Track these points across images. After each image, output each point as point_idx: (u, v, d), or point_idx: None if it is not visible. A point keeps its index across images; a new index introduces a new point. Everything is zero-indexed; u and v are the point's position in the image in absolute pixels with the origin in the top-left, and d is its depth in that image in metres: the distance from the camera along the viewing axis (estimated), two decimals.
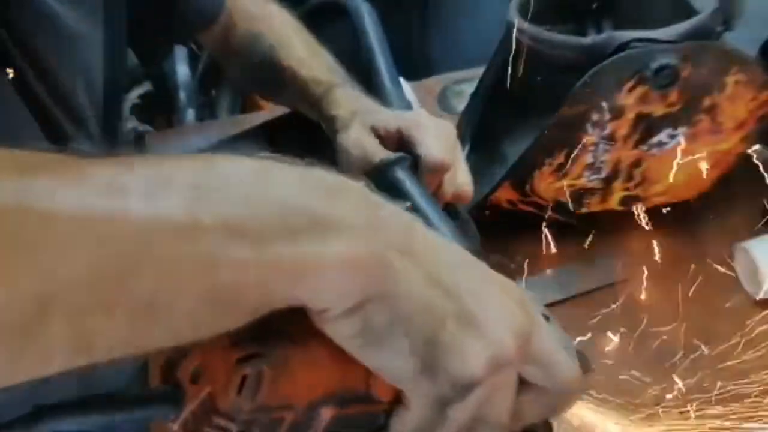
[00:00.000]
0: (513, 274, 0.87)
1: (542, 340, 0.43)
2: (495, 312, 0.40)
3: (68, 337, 0.32)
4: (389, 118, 0.78)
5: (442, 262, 0.40)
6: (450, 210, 0.70)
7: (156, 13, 0.83)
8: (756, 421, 0.68)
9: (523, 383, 0.43)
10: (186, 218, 0.34)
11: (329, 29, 1.19)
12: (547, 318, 0.47)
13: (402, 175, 0.70)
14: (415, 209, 0.66)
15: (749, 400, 0.72)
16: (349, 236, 0.36)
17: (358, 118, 0.79)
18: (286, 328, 0.37)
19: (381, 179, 0.70)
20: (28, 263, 0.31)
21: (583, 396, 0.52)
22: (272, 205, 0.36)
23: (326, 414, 0.38)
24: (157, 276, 0.33)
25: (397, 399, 0.40)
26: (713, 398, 0.72)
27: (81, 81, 0.68)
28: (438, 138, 0.75)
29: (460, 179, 0.78)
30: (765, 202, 0.89)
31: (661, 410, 0.72)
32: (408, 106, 0.87)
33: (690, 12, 0.85)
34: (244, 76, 0.94)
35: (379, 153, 0.74)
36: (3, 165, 0.32)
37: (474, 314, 0.39)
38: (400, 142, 0.75)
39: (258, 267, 0.35)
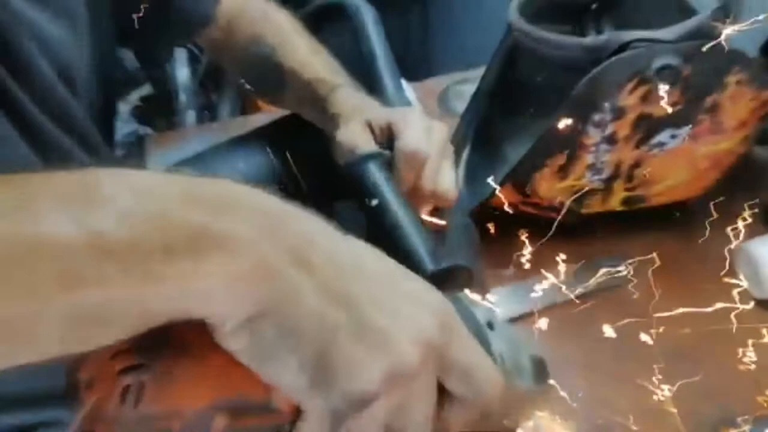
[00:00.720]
0: (510, 277, 0.87)
1: (460, 349, 0.42)
2: (397, 323, 0.39)
3: None
4: (381, 114, 0.78)
5: (343, 272, 0.39)
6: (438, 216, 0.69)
7: (150, 15, 0.82)
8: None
9: (447, 393, 0.42)
10: (48, 236, 0.33)
11: (331, 31, 1.19)
12: (491, 326, 0.47)
13: (373, 170, 0.70)
14: (380, 205, 0.65)
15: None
16: (233, 250, 0.36)
17: (357, 115, 0.78)
18: (182, 338, 0.38)
19: (353, 174, 0.69)
20: None
21: (543, 407, 0.51)
22: (150, 221, 0.35)
23: (219, 423, 0.38)
24: (16, 295, 0.32)
25: (299, 410, 0.40)
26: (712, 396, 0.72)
27: (64, 84, 0.67)
28: (420, 131, 0.75)
29: (442, 180, 0.76)
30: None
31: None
32: (409, 106, 0.87)
33: (689, 12, 0.84)
34: (245, 78, 0.93)
35: (367, 148, 0.74)
36: None
37: (372, 326, 0.39)
38: (389, 137, 0.75)
39: (128, 285, 0.34)
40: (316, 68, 0.85)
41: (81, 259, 0.33)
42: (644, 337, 0.79)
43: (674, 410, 0.71)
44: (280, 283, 0.37)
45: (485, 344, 0.46)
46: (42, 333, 0.33)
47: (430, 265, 0.57)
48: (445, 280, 0.53)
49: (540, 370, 0.50)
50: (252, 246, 0.36)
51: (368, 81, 0.93)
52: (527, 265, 0.88)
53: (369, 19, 0.96)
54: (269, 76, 0.87)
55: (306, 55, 0.87)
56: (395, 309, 0.40)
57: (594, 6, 0.98)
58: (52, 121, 0.64)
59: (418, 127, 0.75)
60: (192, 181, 0.38)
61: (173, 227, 0.35)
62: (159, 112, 1.62)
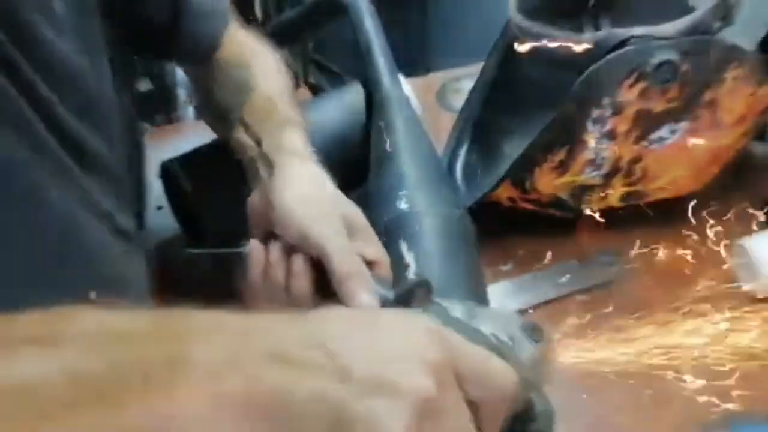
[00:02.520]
0: (509, 273, 0.87)
1: (465, 356, 0.42)
2: (398, 362, 0.39)
3: None
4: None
5: (324, 346, 0.38)
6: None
7: (155, 41, 0.80)
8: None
9: (471, 403, 0.41)
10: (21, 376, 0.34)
11: (329, 26, 1.19)
12: (474, 316, 0.48)
13: None
14: None
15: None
16: (211, 372, 0.36)
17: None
18: None
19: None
20: None
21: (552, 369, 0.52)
22: (124, 351, 0.36)
23: None
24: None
25: None
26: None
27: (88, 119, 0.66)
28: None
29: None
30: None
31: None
32: (406, 101, 0.87)
33: (687, 8, 0.85)
34: (210, 96, 0.84)
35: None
36: None
37: (375, 377, 0.38)
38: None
39: (105, 413, 0.34)
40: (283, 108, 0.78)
41: (54, 393, 0.34)
42: (641, 332, 0.79)
43: (669, 406, 0.72)
44: (265, 388, 0.36)
45: (475, 333, 0.46)
46: None
47: (389, 294, 0.58)
48: (408, 300, 0.54)
49: (535, 332, 0.50)
50: (227, 365, 0.36)
51: (365, 75, 0.93)
52: (525, 261, 0.88)
53: (367, 15, 0.96)
54: (236, 95, 0.80)
55: (280, 93, 0.80)
56: (388, 353, 0.39)
57: (592, 2, 0.98)
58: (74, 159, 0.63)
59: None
60: (160, 316, 0.39)
61: (148, 356, 0.36)
62: (157, 107, 1.62)
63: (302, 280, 0.64)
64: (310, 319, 0.42)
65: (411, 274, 0.68)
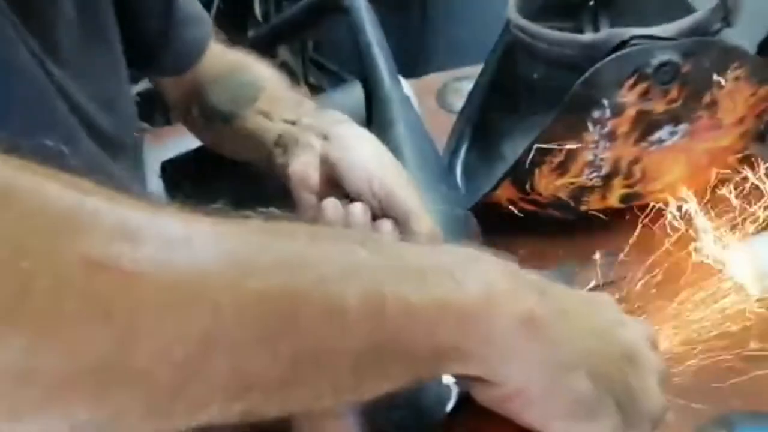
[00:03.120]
0: None
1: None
2: (636, 334, 0.45)
3: (229, 376, 0.31)
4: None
5: (586, 315, 0.44)
6: None
7: (141, 53, 0.78)
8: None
9: None
10: (349, 257, 0.36)
11: (328, 26, 1.19)
12: None
13: None
14: None
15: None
16: (507, 292, 0.39)
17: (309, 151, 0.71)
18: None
19: None
20: (198, 299, 0.31)
21: None
22: (439, 257, 0.39)
23: None
24: (324, 315, 0.33)
25: None
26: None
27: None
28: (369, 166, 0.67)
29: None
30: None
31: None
32: (407, 102, 0.87)
33: (686, 8, 0.85)
34: (208, 99, 0.83)
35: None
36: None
37: (629, 344, 0.43)
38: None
39: (425, 307, 0.36)
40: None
41: (381, 278, 0.35)
42: None
43: (669, 406, 0.71)
44: (548, 331, 0.39)
45: None
46: (342, 358, 0.34)
47: None
48: None
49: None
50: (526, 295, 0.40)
51: (365, 75, 0.93)
52: (525, 262, 0.88)
53: (366, 15, 0.96)
54: (241, 98, 0.80)
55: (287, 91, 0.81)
56: (620, 319, 0.46)
57: (591, 3, 0.98)
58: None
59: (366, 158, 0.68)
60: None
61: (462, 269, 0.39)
62: (156, 107, 1.61)
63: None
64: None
65: None
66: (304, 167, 0.68)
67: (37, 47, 0.57)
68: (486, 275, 0.39)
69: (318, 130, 0.70)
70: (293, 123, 0.72)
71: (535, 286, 0.41)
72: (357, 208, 0.63)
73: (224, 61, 0.82)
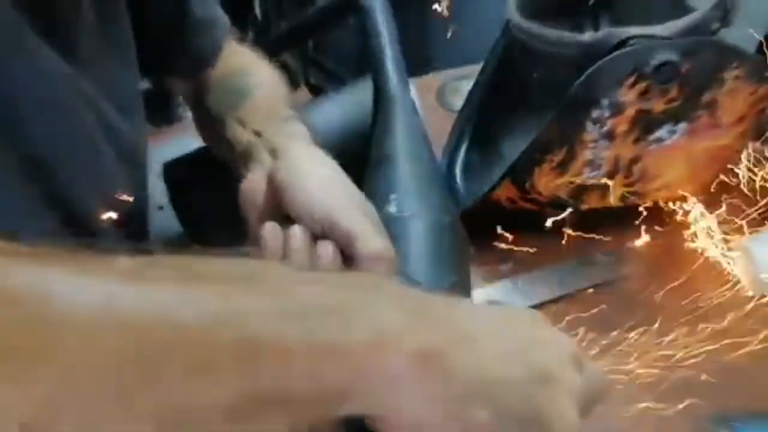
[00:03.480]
0: (508, 273, 0.87)
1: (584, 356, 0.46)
2: (560, 358, 0.43)
3: None
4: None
5: (498, 337, 0.41)
6: None
7: (154, 56, 0.77)
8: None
9: None
10: (224, 301, 0.33)
11: (340, 26, 1.19)
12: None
13: None
14: None
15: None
16: (400, 330, 0.37)
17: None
18: None
19: None
20: (46, 358, 0.29)
21: None
22: (315, 299, 0.36)
23: None
24: (190, 368, 0.32)
25: None
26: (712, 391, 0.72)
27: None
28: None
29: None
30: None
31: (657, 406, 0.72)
32: (411, 107, 0.87)
33: (685, 8, 0.85)
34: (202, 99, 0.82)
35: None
36: (20, 255, 0.31)
37: (544, 368, 0.41)
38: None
39: (308, 352, 0.34)
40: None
41: (260, 324, 0.33)
42: (641, 331, 0.79)
43: (669, 406, 0.72)
44: (454, 363, 0.38)
45: None
46: (214, 413, 0.32)
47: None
48: None
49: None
50: (423, 341, 0.38)
51: (373, 77, 0.93)
52: (525, 261, 0.88)
53: (381, 15, 0.96)
54: (232, 101, 0.78)
55: (280, 98, 0.78)
56: (539, 338, 0.43)
57: (591, 3, 0.98)
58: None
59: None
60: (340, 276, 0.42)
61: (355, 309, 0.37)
62: (157, 107, 1.61)
63: (333, 269, 0.59)
64: (464, 310, 0.44)
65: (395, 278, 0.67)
66: (251, 185, 0.65)
67: (60, 53, 0.57)
68: (379, 314, 0.37)
69: (271, 146, 0.67)
70: (258, 134, 0.70)
71: (436, 317, 0.40)
72: (295, 231, 0.60)
73: (228, 62, 0.81)
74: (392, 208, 0.72)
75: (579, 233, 0.90)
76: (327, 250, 0.59)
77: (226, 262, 0.36)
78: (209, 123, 0.78)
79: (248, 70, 0.80)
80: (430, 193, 0.75)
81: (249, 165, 0.67)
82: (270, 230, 0.60)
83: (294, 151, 0.65)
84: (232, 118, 0.73)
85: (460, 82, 1.22)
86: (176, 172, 0.87)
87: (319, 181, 0.62)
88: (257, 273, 0.37)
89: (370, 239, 0.58)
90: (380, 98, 0.89)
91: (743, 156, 0.89)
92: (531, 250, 0.90)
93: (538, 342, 0.43)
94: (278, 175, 0.62)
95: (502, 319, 0.44)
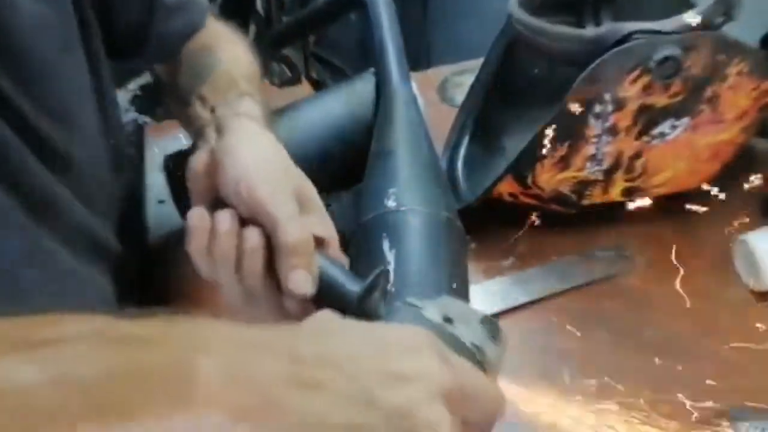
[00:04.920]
0: (510, 268, 0.87)
1: (470, 379, 0.42)
2: (418, 390, 0.38)
3: None
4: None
5: (341, 368, 0.38)
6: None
7: (126, 42, 0.76)
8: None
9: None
10: (6, 379, 0.32)
11: (341, 20, 1.19)
12: (449, 320, 0.47)
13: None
14: None
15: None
16: (221, 389, 0.34)
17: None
18: None
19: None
20: None
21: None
22: (121, 364, 0.34)
23: None
24: None
25: None
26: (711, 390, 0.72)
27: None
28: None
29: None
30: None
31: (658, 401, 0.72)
32: (413, 103, 0.87)
33: (686, 3, 0.85)
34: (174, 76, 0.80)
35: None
36: None
37: (399, 407, 0.37)
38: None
39: (96, 424, 0.32)
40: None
41: (44, 398, 0.31)
42: (642, 327, 0.79)
43: (669, 402, 0.72)
44: (290, 413, 0.35)
45: (459, 346, 0.46)
46: None
47: (356, 288, 0.55)
48: (372, 291, 0.52)
49: (494, 329, 0.49)
50: (243, 381, 0.35)
51: (375, 70, 0.93)
52: (526, 256, 0.88)
53: (384, 10, 0.96)
54: (197, 76, 0.75)
55: (244, 75, 0.74)
56: (404, 372, 0.39)
57: None
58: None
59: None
60: (160, 322, 0.37)
61: (152, 364, 0.34)
62: (158, 101, 1.61)
63: (256, 256, 0.56)
64: (316, 332, 0.41)
65: (390, 272, 0.66)
66: (194, 164, 0.62)
67: None
68: (197, 371, 0.34)
69: (219, 123, 0.64)
70: (213, 111, 0.67)
71: (278, 363, 0.37)
72: (222, 216, 0.57)
73: (200, 39, 0.79)
74: (391, 202, 0.72)
75: (580, 229, 0.90)
76: (252, 236, 0.56)
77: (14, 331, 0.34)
78: (179, 102, 0.75)
79: (217, 46, 0.78)
80: (429, 189, 0.75)
81: (199, 143, 0.65)
82: (195, 215, 0.58)
83: (235, 130, 0.62)
84: (196, 95, 0.71)
85: (462, 77, 1.22)
86: (177, 165, 0.87)
87: (252, 161, 0.58)
88: (64, 335, 0.35)
89: (290, 228, 0.55)
90: (382, 92, 0.89)
91: None
92: (532, 246, 0.90)
93: (398, 377, 0.38)
94: (215, 155, 0.60)
95: (358, 354, 0.39)
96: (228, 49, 0.78)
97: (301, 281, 0.54)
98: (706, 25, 0.80)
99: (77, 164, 0.63)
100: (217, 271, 0.57)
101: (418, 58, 1.69)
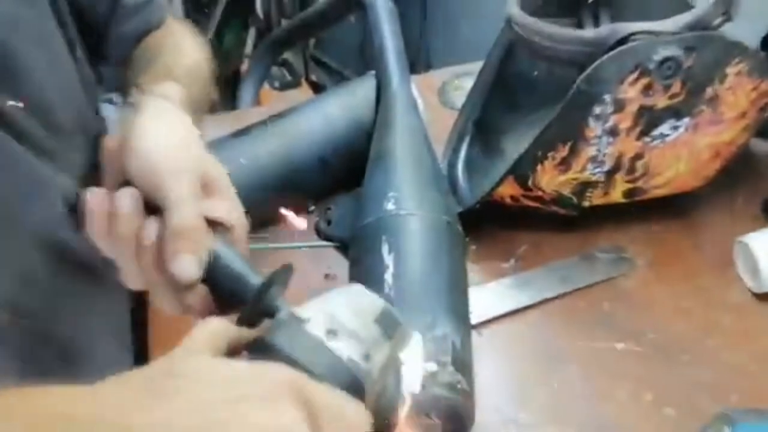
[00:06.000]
0: (511, 270, 0.87)
1: (325, 409, 0.40)
2: None
3: None
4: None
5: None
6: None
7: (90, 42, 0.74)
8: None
9: None
10: None
11: (341, 23, 1.19)
12: (333, 332, 0.45)
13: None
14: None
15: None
16: None
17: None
18: None
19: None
20: None
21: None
22: None
23: None
24: None
25: None
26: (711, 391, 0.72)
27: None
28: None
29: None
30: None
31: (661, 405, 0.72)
32: (412, 106, 0.87)
33: (683, 4, 0.85)
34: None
35: None
36: None
37: None
38: None
39: None
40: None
41: None
42: (643, 329, 0.79)
43: (671, 403, 0.72)
44: None
45: (330, 365, 0.45)
46: None
47: (256, 280, 0.52)
48: (271, 285, 0.50)
49: (390, 325, 0.48)
50: None
51: (376, 73, 0.93)
52: (528, 258, 0.88)
53: (384, 13, 0.96)
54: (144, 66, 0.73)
55: (183, 67, 0.72)
56: (251, 421, 0.38)
57: (591, 0, 0.98)
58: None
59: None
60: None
61: None
62: None
63: (151, 247, 0.53)
64: (157, 392, 0.39)
65: (389, 275, 0.66)
66: (108, 143, 0.58)
67: None
68: None
69: (137, 104, 0.60)
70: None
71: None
72: (122, 199, 0.53)
73: (152, 39, 0.78)
74: (390, 206, 0.72)
75: (581, 230, 0.90)
76: (150, 229, 0.53)
77: None
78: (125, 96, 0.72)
79: (165, 42, 0.77)
80: (428, 193, 0.75)
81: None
82: (94, 197, 0.54)
83: (146, 108, 0.59)
84: (134, 85, 0.67)
85: (462, 80, 1.22)
86: None
87: (154, 138, 0.55)
88: None
89: (179, 210, 0.52)
90: (382, 95, 0.89)
91: None
92: (532, 248, 0.90)
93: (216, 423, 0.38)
94: (125, 137, 0.56)
95: (209, 413, 0.38)
96: (174, 43, 0.76)
97: (184, 266, 0.50)
98: (705, 26, 0.80)
99: (62, 164, 0.63)
100: (116, 255, 0.54)
101: (417, 60, 1.69)
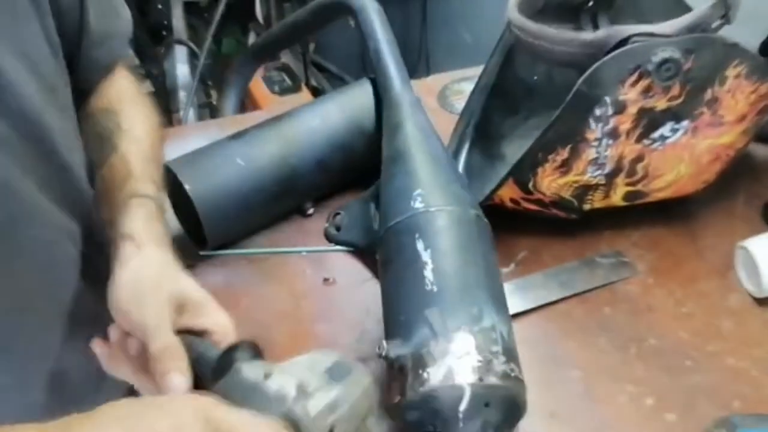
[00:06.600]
0: (511, 275, 0.87)
1: (231, 425, 0.46)
2: None
3: None
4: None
5: None
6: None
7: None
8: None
9: None
10: None
11: (329, 28, 1.19)
12: (267, 376, 0.51)
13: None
14: None
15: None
16: None
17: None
18: None
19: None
20: None
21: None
22: None
23: None
24: None
25: None
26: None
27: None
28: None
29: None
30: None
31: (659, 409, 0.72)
32: (417, 104, 0.87)
33: (684, 8, 0.84)
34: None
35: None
36: None
37: None
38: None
39: None
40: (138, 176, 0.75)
41: None
42: (643, 334, 0.79)
43: (672, 408, 0.71)
44: None
45: (255, 398, 0.51)
46: None
47: (214, 353, 0.59)
48: (232, 359, 0.56)
49: (339, 370, 0.53)
50: None
51: (376, 78, 0.92)
52: (528, 262, 0.88)
53: (375, 17, 0.96)
54: (100, 150, 0.78)
55: (139, 153, 0.77)
56: None
57: (591, 4, 0.98)
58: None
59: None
60: None
61: None
62: (158, 109, 1.61)
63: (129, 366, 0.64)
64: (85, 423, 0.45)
65: (429, 271, 0.67)
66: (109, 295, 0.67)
67: None
68: None
69: (112, 248, 0.69)
70: (111, 225, 0.71)
71: None
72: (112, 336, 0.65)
73: (105, 98, 0.81)
74: (418, 204, 0.73)
75: (582, 234, 0.90)
76: (132, 344, 0.63)
77: None
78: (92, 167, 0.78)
79: (118, 108, 0.80)
80: (452, 188, 0.76)
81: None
82: (97, 342, 0.66)
83: (120, 260, 0.67)
84: (98, 191, 0.75)
85: (462, 84, 1.22)
86: (177, 172, 0.87)
87: (126, 286, 0.64)
88: None
89: (159, 338, 0.60)
90: (385, 98, 0.89)
91: None
92: (533, 252, 0.89)
93: None
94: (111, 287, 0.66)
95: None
96: (129, 113, 0.80)
97: (174, 384, 0.58)
98: (704, 28, 0.80)
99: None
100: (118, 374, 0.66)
101: (417, 65, 1.69)
